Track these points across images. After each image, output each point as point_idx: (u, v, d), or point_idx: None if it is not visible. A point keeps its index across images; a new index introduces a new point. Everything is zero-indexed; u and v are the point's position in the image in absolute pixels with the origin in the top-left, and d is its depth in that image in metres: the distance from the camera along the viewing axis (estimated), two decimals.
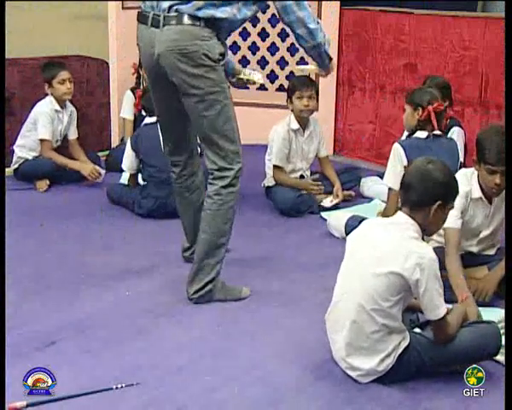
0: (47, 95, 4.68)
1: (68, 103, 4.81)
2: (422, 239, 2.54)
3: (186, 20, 2.88)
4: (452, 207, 2.57)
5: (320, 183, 4.40)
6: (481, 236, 3.28)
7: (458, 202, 2.89)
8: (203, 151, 3.09)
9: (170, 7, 2.90)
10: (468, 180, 3.15)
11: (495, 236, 3.33)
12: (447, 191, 2.53)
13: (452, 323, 2.52)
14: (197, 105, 2.95)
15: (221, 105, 2.96)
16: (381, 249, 2.44)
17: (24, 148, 4.69)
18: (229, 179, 3.03)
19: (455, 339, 2.51)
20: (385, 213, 3.60)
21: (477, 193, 3.16)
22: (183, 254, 3.51)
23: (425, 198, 2.47)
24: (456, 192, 2.58)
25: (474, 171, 3.18)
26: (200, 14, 2.87)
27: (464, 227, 3.22)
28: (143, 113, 4.55)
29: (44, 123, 4.63)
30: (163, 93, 3.12)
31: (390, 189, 3.63)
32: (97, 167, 4.70)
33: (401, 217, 2.51)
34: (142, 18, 3.02)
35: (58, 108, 4.70)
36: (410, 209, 2.49)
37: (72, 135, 4.86)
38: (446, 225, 2.66)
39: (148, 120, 4.23)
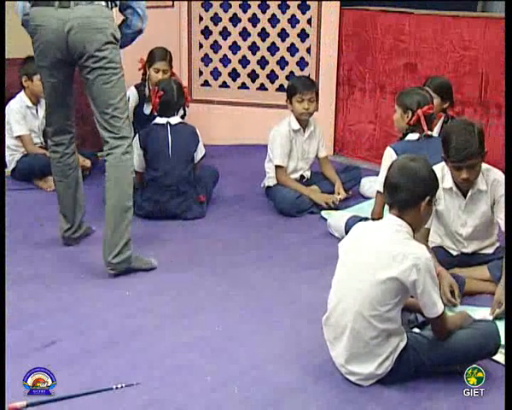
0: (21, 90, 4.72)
1: (42, 99, 4.80)
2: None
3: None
4: (436, 199, 2.57)
5: (331, 201, 4.28)
6: (465, 234, 3.26)
7: None
8: (99, 124, 3.30)
9: None
10: (441, 172, 3.16)
11: (484, 233, 3.29)
12: (434, 184, 2.55)
13: (451, 319, 2.52)
14: (100, 78, 3.21)
15: (118, 79, 3.26)
16: (375, 255, 2.43)
17: (8, 148, 4.70)
18: (125, 147, 3.30)
19: (454, 337, 2.50)
20: (372, 216, 3.60)
21: (449, 183, 3.17)
22: (63, 235, 3.66)
23: (415, 196, 2.47)
24: (438, 182, 2.60)
25: None
26: None
27: (442, 221, 3.23)
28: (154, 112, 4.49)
29: (17, 119, 4.67)
30: (60, 75, 3.32)
31: (379, 192, 3.59)
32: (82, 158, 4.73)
33: (391, 219, 2.50)
34: (45, 0, 3.19)
35: (30, 104, 4.73)
36: (399, 210, 2.48)
37: None
38: None
39: (158, 120, 4.18)
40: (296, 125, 4.39)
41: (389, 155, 3.59)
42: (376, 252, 2.44)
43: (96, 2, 3.18)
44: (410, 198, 2.47)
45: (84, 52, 3.18)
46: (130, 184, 3.34)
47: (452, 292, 3.05)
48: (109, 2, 3.24)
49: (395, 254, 2.39)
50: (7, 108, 4.68)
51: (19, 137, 4.69)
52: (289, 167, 4.43)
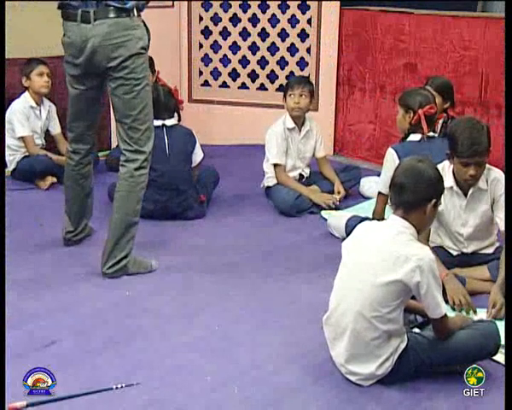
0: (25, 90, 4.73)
1: (45, 100, 4.84)
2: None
3: (116, 12, 3.08)
4: (441, 202, 2.57)
5: (331, 201, 4.29)
6: (465, 234, 3.26)
7: None
8: (118, 133, 3.29)
9: (98, 2, 3.07)
10: (441, 171, 3.15)
11: (484, 233, 3.29)
12: (440, 187, 2.53)
13: (452, 320, 2.53)
14: (121, 87, 3.17)
15: (140, 89, 3.19)
16: (377, 255, 2.42)
17: (9, 148, 4.70)
18: (140, 162, 3.26)
19: (454, 337, 2.50)
20: (373, 216, 3.59)
21: (449, 183, 3.15)
22: (64, 236, 3.65)
23: (421, 198, 2.46)
24: (444, 185, 2.59)
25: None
26: (128, 5, 3.08)
27: (442, 221, 3.23)
28: None
29: (20, 121, 4.66)
30: (87, 84, 3.28)
31: (380, 192, 3.59)
32: None
33: (395, 220, 2.48)
34: (68, 15, 3.17)
35: (33, 104, 4.73)
36: (404, 212, 2.47)
37: (56, 130, 4.90)
38: None
39: (154, 122, 4.17)
40: (291, 124, 4.39)
41: (391, 156, 3.58)
42: (378, 252, 2.43)
43: (116, 16, 3.08)
44: (415, 200, 2.45)
45: (106, 66, 3.15)
46: (139, 200, 3.30)
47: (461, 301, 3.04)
48: (132, 11, 3.11)
49: (397, 256, 2.38)
50: (10, 108, 4.67)
51: (21, 138, 4.68)
52: (287, 165, 4.43)
